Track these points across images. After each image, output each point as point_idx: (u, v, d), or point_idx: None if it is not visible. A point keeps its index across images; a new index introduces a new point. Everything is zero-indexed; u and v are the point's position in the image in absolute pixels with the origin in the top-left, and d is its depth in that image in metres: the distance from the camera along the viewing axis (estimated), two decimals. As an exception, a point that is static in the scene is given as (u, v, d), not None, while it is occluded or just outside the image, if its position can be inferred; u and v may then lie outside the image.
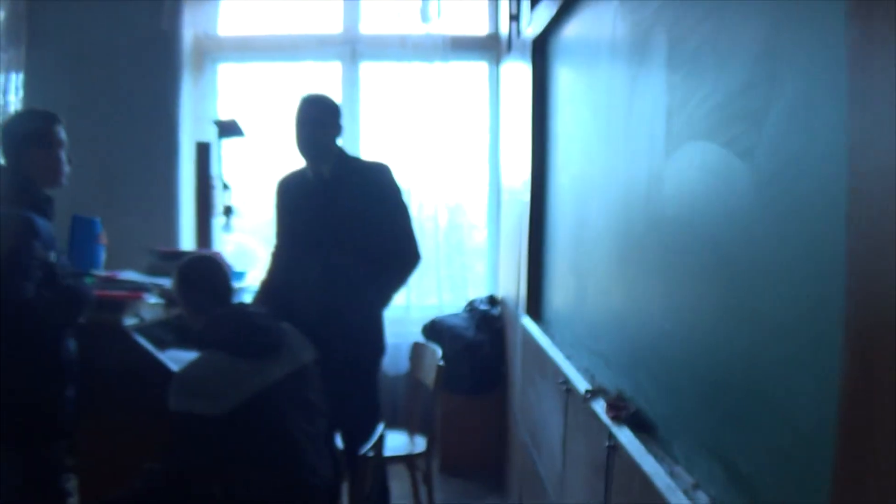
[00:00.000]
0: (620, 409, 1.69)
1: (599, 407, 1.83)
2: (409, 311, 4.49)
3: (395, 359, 4.24)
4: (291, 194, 3.21)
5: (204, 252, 2.66)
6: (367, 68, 4.69)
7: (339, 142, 3.15)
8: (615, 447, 1.68)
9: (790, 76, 1.07)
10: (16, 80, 4.34)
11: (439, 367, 3.29)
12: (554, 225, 2.90)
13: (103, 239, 3.53)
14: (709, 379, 1.34)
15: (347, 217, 3.03)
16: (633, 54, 1.82)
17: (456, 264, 4.65)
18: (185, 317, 2.63)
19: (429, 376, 3.39)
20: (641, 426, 1.63)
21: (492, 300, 4.45)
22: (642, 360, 1.70)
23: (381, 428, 2.46)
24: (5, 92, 4.30)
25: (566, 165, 2.67)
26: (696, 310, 1.39)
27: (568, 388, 2.21)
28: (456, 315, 4.34)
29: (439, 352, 3.39)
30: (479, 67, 4.73)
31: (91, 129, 4.28)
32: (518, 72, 3.65)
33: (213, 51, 4.74)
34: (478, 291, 4.65)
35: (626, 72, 1.87)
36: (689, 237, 1.42)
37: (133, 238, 4.10)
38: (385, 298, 3.15)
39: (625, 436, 1.63)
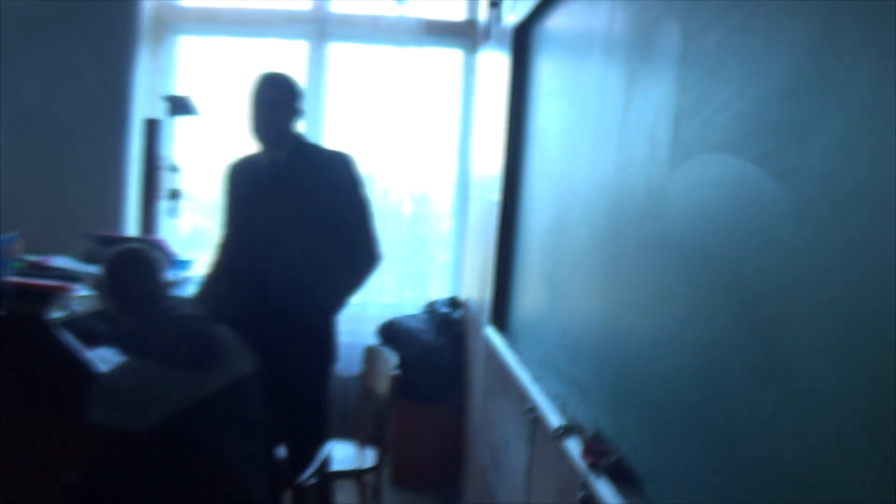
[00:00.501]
0: (599, 455, 1.47)
1: (574, 448, 1.60)
2: (365, 309, 4.23)
3: (347, 360, 3.97)
4: (242, 181, 2.93)
5: (133, 244, 2.37)
6: (335, 49, 4.42)
7: (299, 127, 2.89)
8: (590, 499, 1.46)
9: (853, 81, 0.85)
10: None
11: (394, 376, 3.05)
12: (526, 227, 2.67)
13: (15, 250, 3.14)
14: (715, 434, 1.12)
15: (302, 209, 2.77)
16: (633, 48, 1.59)
17: (418, 260, 4.41)
18: (113, 316, 2.37)
19: (382, 384, 3.16)
20: (624, 478, 1.41)
21: (453, 302, 4.22)
22: (628, 397, 1.48)
23: (328, 445, 2.22)
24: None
25: (544, 165, 2.44)
26: (702, 351, 1.18)
27: (535, 417, 1.98)
28: (414, 316, 4.11)
29: (394, 358, 3.15)
30: (453, 55, 4.48)
31: (33, 101, 3.97)
32: (495, 62, 3.43)
33: (174, 21, 4.43)
34: (439, 291, 4.42)
35: (624, 67, 1.64)
36: (700, 265, 1.20)
37: (75, 221, 3.81)
38: (339, 301, 2.89)
39: (603, 488, 1.41)
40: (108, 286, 2.25)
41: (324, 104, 4.40)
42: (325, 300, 2.85)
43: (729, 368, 1.09)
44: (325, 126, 4.39)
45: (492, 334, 2.90)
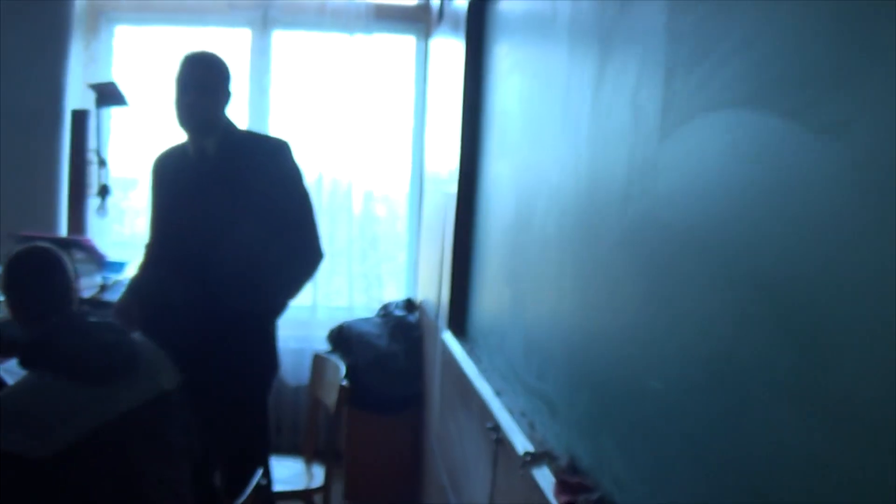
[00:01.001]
0: (576, 491, 1.21)
1: (544, 479, 1.34)
2: (315, 313, 3.95)
3: (296, 368, 3.72)
4: (169, 175, 2.64)
5: (39, 244, 2.08)
6: (280, 37, 4.12)
7: (228, 112, 2.59)
8: (568, 546, 1.20)
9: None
10: None
11: (342, 387, 2.77)
12: (486, 223, 2.41)
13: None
14: (726, 467, 0.87)
15: (233, 203, 2.47)
16: (607, 0, 1.33)
17: (371, 261, 4.13)
18: (15, 325, 2.07)
19: (330, 396, 2.87)
20: (608, 519, 1.14)
21: (409, 305, 3.94)
22: (608, 418, 1.22)
23: (270, 464, 1.94)
24: None
25: (505, 153, 2.19)
26: (710, 362, 0.92)
27: (498, 437, 1.72)
28: (367, 320, 3.82)
29: (342, 368, 2.87)
30: (405, 41, 4.22)
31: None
32: (449, 47, 3.17)
33: (110, 10, 4.12)
34: (394, 293, 4.14)
35: (596, 24, 1.38)
36: (707, 254, 0.94)
37: (5, 220, 3.49)
38: (278, 305, 2.59)
39: (583, 533, 1.15)
40: (8, 290, 1.96)
41: (269, 96, 4.10)
42: (262, 303, 2.55)
43: (748, 385, 0.83)
44: (271, 119, 4.10)
45: (449, 340, 2.64)
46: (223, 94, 2.55)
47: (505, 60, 2.25)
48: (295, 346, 3.74)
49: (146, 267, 2.73)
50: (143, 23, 4.19)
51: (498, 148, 2.28)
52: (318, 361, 3.12)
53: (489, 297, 2.30)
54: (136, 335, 2.04)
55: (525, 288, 1.81)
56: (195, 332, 2.40)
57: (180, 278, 2.50)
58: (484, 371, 2.12)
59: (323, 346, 3.72)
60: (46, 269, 1.97)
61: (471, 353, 2.36)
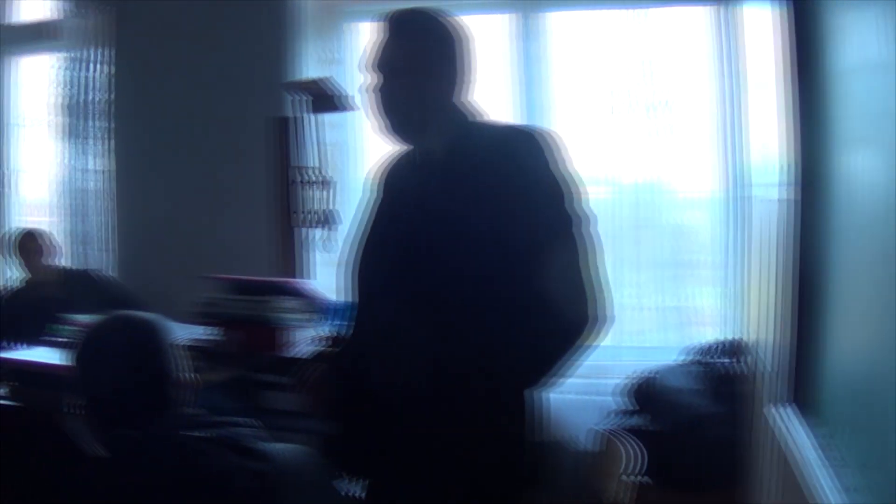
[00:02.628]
0: None
1: None
2: (614, 355, 3.18)
3: (579, 425, 3.00)
4: (389, 191, 1.95)
5: (132, 313, 1.62)
6: (551, 18, 3.58)
7: (466, 98, 1.82)
8: None
9: None
10: None
11: (627, 483, 1.99)
12: (845, 237, 1.62)
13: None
14: None
15: (464, 228, 1.73)
16: None
17: (682, 289, 3.37)
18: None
19: (611, 488, 2.11)
20: None
21: (732, 348, 3.07)
22: None
23: None
24: None
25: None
26: None
27: None
28: (678, 369, 3.02)
29: (635, 454, 2.11)
30: (702, 13, 3.51)
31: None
32: (762, 15, 2.48)
33: (344, 7, 3.82)
34: (713, 332, 3.31)
35: None
36: None
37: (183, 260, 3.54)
38: (523, 384, 1.77)
39: None
40: (77, 379, 1.51)
41: (542, 87, 3.56)
42: (504, 377, 1.72)
43: None
44: (547, 114, 3.54)
45: (785, 424, 1.77)
46: (440, 72, 1.78)
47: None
48: (584, 396, 3.03)
49: (353, 321, 2.02)
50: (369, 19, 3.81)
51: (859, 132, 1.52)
52: (605, 440, 2.42)
53: (860, 345, 1.46)
54: (294, 452, 1.61)
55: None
56: (403, 420, 1.73)
57: (387, 341, 1.81)
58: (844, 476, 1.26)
59: (620, 399, 3.01)
60: (136, 353, 1.50)
61: (827, 445, 1.49)
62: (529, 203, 1.70)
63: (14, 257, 3.71)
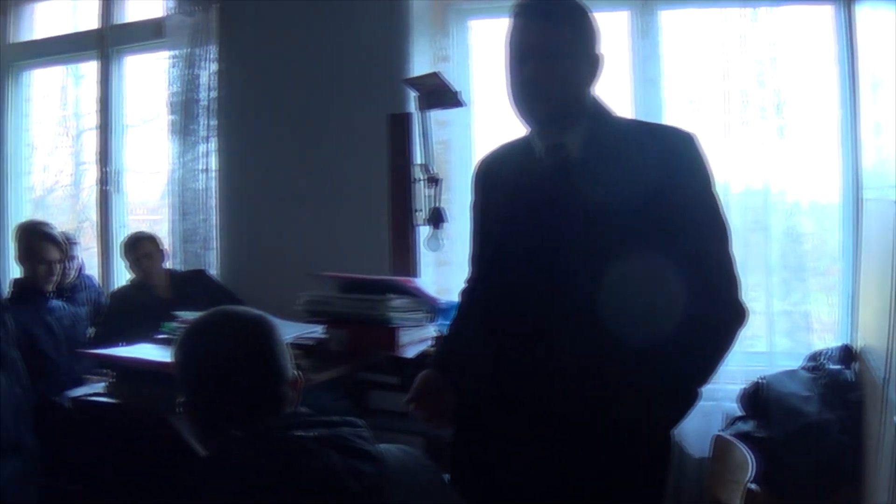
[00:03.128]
0: None
1: None
2: (726, 361, 3.22)
3: (700, 434, 3.07)
4: (503, 186, 1.88)
5: (240, 309, 1.54)
6: (667, 17, 3.53)
7: (598, 93, 1.81)
8: None
9: None
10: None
11: (750, 491, 2.14)
12: None
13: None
14: None
15: (610, 226, 1.68)
16: None
17: (796, 294, 3.34)
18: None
19: (729, 495, 2.25)
20: None
21: (846, 355, 3.09)
22: None
23: None
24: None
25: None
26: None
27: None
28: (792, 375, 3.06)
29: (751, 462, 2.24)
30: (820, 12, 3.42)
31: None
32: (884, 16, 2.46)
33: (460, 3, 3.79)
34: (826, 339, 3.30)
35: None
36: None
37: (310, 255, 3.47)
38: (686, 394, 1.69)
39: None
40: (183, 377, 1.45)
41: (659, 87, 3.52)
42: (663, 388, 1.65)
43: None
44: (664, 114, 3.49)
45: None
46: (587, 61, 1.75)
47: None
48: (699, 404, 3.10)
49: (464, 323, 2.03)
50: (500, 14, 3.79)
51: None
52: (721, 446, 2.50)
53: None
54: (399, 452, 1.45)
55: None
56: (539, 420, 1.69)
57: (519, 336, 1.77)
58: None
59: (733, 405, 3.08)
60: (242, 350, 1.42)
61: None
62: (698, 201, 1.71)
63: (126, 259, 3.73)
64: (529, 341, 1.73)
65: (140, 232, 3.85)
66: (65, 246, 3.55)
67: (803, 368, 3.14)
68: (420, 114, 3.23)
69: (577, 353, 1.65)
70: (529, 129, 1.84)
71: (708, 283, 1.66)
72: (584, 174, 1.72)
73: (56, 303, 3.56)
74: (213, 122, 3.99)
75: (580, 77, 1.74)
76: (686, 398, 1.69)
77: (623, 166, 1.70)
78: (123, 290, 3.79)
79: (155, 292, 3.67)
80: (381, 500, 1.31)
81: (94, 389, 2.47)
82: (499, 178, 1.91)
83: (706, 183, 1.72)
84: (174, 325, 2.56)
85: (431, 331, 2.91)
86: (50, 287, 3.51)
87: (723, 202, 1.76)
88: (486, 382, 1.81)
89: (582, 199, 1.71)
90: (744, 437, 2.79)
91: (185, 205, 4.05)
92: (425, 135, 3.24)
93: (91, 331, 3.65)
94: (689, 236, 1.67)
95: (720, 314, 1.68)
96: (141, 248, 3.71)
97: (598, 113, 1.79)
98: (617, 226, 1.66)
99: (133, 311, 3.39)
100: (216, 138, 4.00)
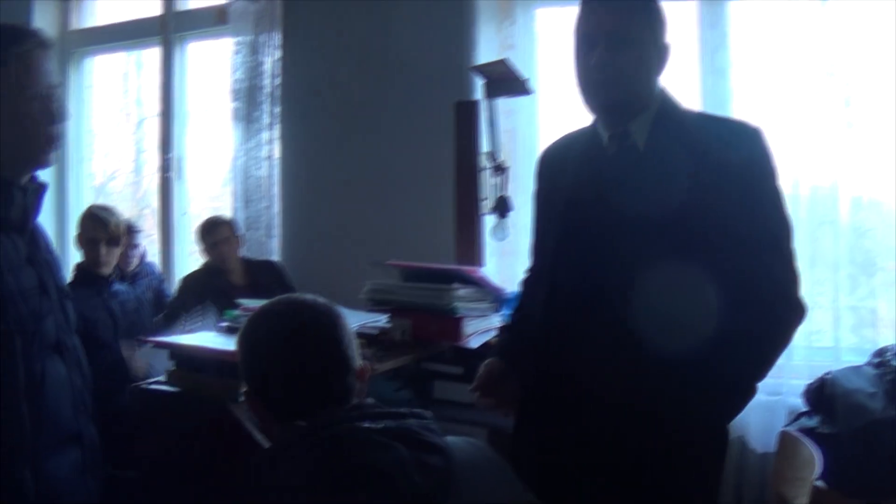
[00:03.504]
0: None
1: None
2: (789, 356, 3.17)
3: (764, 428, 3.05)
4: (566, 175, 1.88)
5: (310, 298, 1.46)
6: (737, 7, 3.47)
7: (665, 83, 1.84)
8: None
9: None
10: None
11: (816, 489, 2.13)
12: None
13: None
14: None
15: (676, 217, 1.69)
16: None
17: (862, 289, 3.30)
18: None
19: (797, 496, 2.24)
20: None
21: (913, 350, 3.05)
22: None
23: None
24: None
25: None
26: None
27: None
28: (858, 370, 3.00)
29: (819, 459, 2.22)
30: (891, 2, 3.26)
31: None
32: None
33: None
34: (893, 334, 3.24)
35: None
36: None
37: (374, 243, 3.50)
38: (742, 390, 1.73)
39: None
40: (247, 366, 1.42)
41: (727, 78, 3.45)
42: (717, 380, 1.67)
43: None
44: (732, 106, 3.44)
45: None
46: (654, 50, 1.76)
47: None
48: (763, 398, 3.08)
49: (524, 313, 2.05)
50: (567, 2, 3.75)
51: None
52: (787, 442, 2.49)
53: None
54: (466, 444, 1.42)
55: None
56: (599, 416, 1.73)
57: (584, 333, 1.79)
58: None
59: (797, 400, 3.05)
60: (305, 343, 1.37)
61: None
62: (761, 196, 1.74)
63: (203, 242, 3.73)
64: (594, 330, 1.76)
65: (218, 216, 3.87)
66: (114, 229, 3.49)
67: (869, 364, 3.07)
68: (487, 101, 3.21)
69: (640, 342, 1.66)
70: (595, 118, 1.86)
71: (769, 279, 1.69)
72: (650, 162, 1.75)
73: (119, 287, 3.57)
74: (277, 110, 4.02)
75: (647, 65, 1.76)
76: (743, 393, 1.73)
77: (689, 157, 1.71)
78: (196, 275, 3.78)
79: (229, 278, 3.68)
80: (448, 494, 1.27)
81: (155, 378, 2.50)
82: (563, 166, 1.92)
83: (771, 178, 1.75)
84: (237, 313, 2.54)
85: (495, 321, 2.88)
86: (107, 270, 3.48)
87: (789, 196, 1.76)
88: (548, 372, 1.84)
89: (647, 187, 1.72)
90: (808, 432, 2.76)
91: (247, 192, 4.07)
92: (492, 122, 3.21)
93: (158, 317, 3.65)
94: (752, 230, 1.69)
95: (780, 310, 1.71)
96: (219, 232, 3.72)
97: (665, 103, 1.81)
98: (681, 216, 1.67)
99: (207, 296, 3.35)
100: (279, 125, 4.03)
